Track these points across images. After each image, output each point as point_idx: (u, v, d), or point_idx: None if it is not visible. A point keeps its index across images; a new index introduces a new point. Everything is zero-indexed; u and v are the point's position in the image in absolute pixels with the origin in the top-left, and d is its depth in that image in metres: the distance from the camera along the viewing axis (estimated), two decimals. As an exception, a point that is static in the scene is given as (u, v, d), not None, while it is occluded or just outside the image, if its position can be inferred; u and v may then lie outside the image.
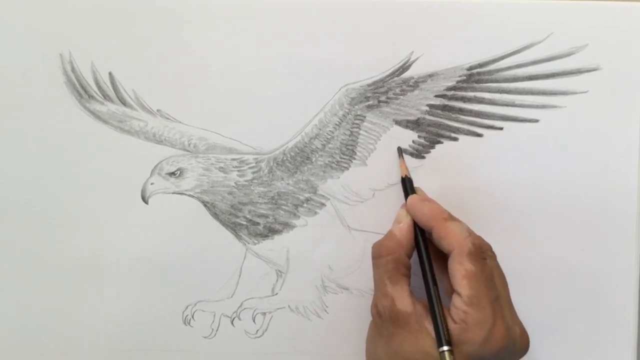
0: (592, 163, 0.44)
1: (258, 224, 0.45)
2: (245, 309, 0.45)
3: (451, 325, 0.36)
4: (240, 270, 0.45)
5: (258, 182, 0.45)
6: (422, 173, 0.44)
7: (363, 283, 0.45)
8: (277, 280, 0.45)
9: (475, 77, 0.44)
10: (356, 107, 0.44)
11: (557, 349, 0.45)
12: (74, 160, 0.45)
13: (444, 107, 0.44)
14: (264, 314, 0.45)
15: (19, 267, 0.45)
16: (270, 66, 0.44)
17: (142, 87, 0.45)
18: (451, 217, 0.39)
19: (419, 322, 0.37)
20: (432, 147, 0.44)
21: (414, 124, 0.44)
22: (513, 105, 0.44)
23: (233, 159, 0.45)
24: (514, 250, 0.44)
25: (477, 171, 0.44)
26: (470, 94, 0.44)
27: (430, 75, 0.44)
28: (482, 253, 0.38)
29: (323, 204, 0.45)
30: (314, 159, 0.45)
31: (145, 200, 0.45)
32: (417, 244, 0.40)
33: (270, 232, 0.45)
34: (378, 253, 0.40)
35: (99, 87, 0.45)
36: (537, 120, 0.44)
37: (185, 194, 0.45)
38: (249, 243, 0.45)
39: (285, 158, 0.45)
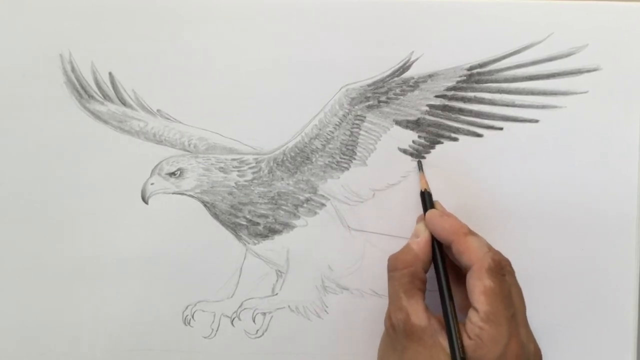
0: (592, 163, 0.44)
1: (258, 224, 0.45)
2: (245, 309, 0.45)
3: (466, 341, 0.35)
4: (240, 270, 0.45)
5: (258, 182, 0.45)
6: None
7: (363, 283, 0.45)
8: (277, 280, 0.45)
9: (475, 77, 0.44)
10: (356, 107, 0.44)
11: (557, 349, 0.45)
12: (74, 160, 0.45)
13: (444, 107, 0.44)
14: (264, 314, 0.45)
15: (19, 267, 0.45)
16: (270, 66, 0.44)
17: (142, 87, 0.45)
18: (470, 232, 0.39)
19: (433, 337, 0.36)
20: (432, 147, 0.44)
21: (414, 124, 0.44)
22: (513, 105, 0.44)
23: (233, 159, 0.45)
24: (514, 250, 0.44)
25: (477, 171, 0.44)
26: (470, 94, 0.44)
27: (430, 76, 0.44)
28: (502, 269, 0.37)
29: (323, 204, 0.45)
30: (314, 159, 0.45)
31: (145, 200, 0.45)
32: (434, 259, 0.40)
33: (270, 232, 0.45)
34: (394, 266, 0.39)
35: (99, 87, 0.45)
36: (537, 120, 0.44)
37: (185, 194, 0.45)
38: (249, 243, 0.45)
39: (285, 158, 0.45)
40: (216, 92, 0.45)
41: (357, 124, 0.44)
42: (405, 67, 0.44)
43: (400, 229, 0.44)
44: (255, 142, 0.45)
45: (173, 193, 0.45)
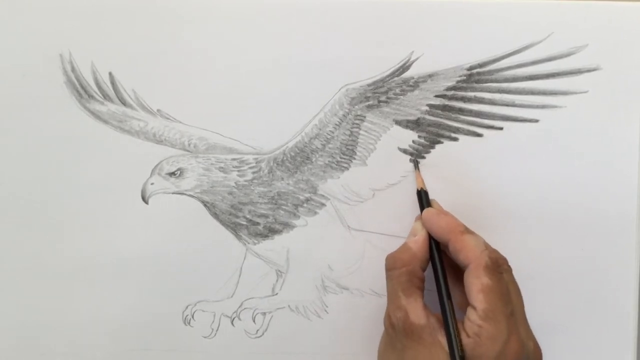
0: (592, 163, 0.44)
1: (258, 224, 0.45)
2: (245, 309, 0.45)
3: (465, 339, 0.36)
4: (240, 270, 0.45)
5: (258, 182, 0.45)
6: (421, 173, 0.44)
7: (363, 283, 0.45)
8: (277, 280, 0.45)
9: (475, 77, 0.44)
10: (356, 107, 0.44)
11: (557, 349, 0.45)
12: (74, 160, 0.45)
13: (444, 107, 0.44)
14: (264, 314, 0.45)
15: (19, 267, 0.45)
16: (270, 66, 0.44)
17: (142, 87, 0.45)
18: (467, 230, 0.39)
19: (432, 336, 0.36)
20: (432, 147, 0.44)
21: (414, 124, 0.44)
22: (513, 105, 0.44)
23: (233, 159, 0.45)
24: (514, 250, 0.44)
25: (477, 171, 0.44)
26: (470, 94, 0.44)
27: (430, 75, 0.44)
28: (499, 267, 0.37)
29: (323, 204, 0.45)
30: (314, 159, 0.45)
31: (145, 200, 0.45)
32: (432, 257, 0.40)
33: (270, 232, 0.45)
34: (392, 265, 0.40)
35: (99, 87, 0.45)
36: (537, 120, 0.44)
37: (185, 194, 0.45)
38: (249, 243, 0.45)
39: (285, 158, 0.45)
40: (216, 92, 0.45)
41: (357, 124, 0.44)
42: (405, 67, 0.44)
43: (400, 228, 0.44)
44: (255, 142, 0.45)
45: (173, 193, 0.45)
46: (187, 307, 0.45)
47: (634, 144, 0.44)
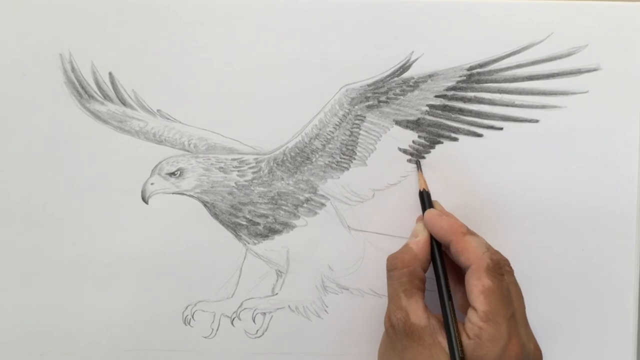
0: (592, 163, 0.44)
1: (258, 224, 0.45)
2: (245, 309, 0.45)
3: (465, 341, 0.36)
4: (240, 270, 0.45)
5: (258, 182, 0.45)
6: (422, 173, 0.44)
7: (363, 283, 0.45)
8: (277, 280, 0.45)
9: (475, 77, 0.44)
10: (356, 107, 0.44)
11: (557, 349, 0.45)
12: (74, 160, 0.45)
13: (444, 107, 0.44)
14: (264, 314, 0.45)
15: (19, 267, 0.45)
16: (270, 66, 0.44)
17: (142, 87, 0.45)
18: (469, 232, 0.39)
19: (432, 337, 0.36)
20: (432, 147, 0.44)
21: (414, 124, 0.44)
22: (513, 105, 0.44)
23: (233, 159, 0.45)
24: (514, 250, 0.44)
25: (477, 171, 0.44)
26: (470, 94, 0.44)
27: (430, 76, 0.44)
28: (500, 269, 0.37)
29: (323, 204, 0.45)
30: (314, 159, 0.45)
31: (145, 200, 0.45)
32: (433, 258, 0.40)
33: (270, 232, 0.45)
34: (393, 266, 0.40)
35: (99, 87, 0.45)
36: (537, 120, 0.44)
37: (185, 194, 0.45)
38: (249, 243, 0.45)
39: (285, 158, 0.45)
40: (216, 92, 0.45)
41: (357, 124, 0.44)
42: (405, 67, 0.44)
43: (400, 229, 0.44)
44: (255, 142, 0.45)
45: (173, 193, 0.45)
46: (187, 307, 0.45)
47: (634, 144, 0.44)
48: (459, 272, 0.39)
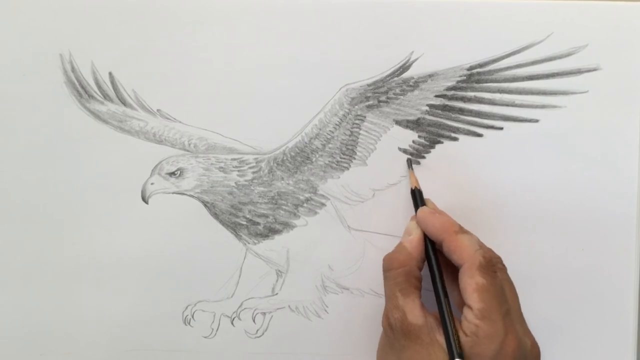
0: (592, 163, 0.44)
1: (258, 223, 0.45)
2: (245, 309, 0.45)
3: (463, 338, 0.36)
4: (240, 270, 0.45)
5: (258, 182, 0.45)
6: (422, 173, 0.44)
7: (363, 283, 0.45)
8: (277, 280, 0.45)
9: (475, 77, 0.44)
10: (356, 107, 0.44)
11: (557, 349, 0.45)
12: (74, 160, 0.45)
13: (444, 107, 0.44)
14: (264, 314, 0.45)
15: (19, 266, 0.45)
16: (270, 66, 0.44)
17: (142, 87, 0.45)
18: (462, 230, 0.39)
19: (430, 335, 0.37)
20: (432, 147, 0.44)
21: (414, 124, 0.44)
22: (513, 105, 0.44)
23: (233, 159, 0.45)
24: (513, 250, 0.44)
25: (478, 171, 0.44)
26: (470, 94, 0.44)
27: (430, 75, 0.44)
28: (493, 266, 0.37)
29: (323, 204, 0.45)
30: (314, 159, 0.45)
31: (145, 200, 0.45)
32: (427, 257, 0.40)
33: (271, 232, 0.45)
34: (389, 266, 0.40)
35: (99, 87, 0.45)
36: (537, 120, 0.44)
37: (185, 194, 0.45)
38: (249, 243, 0.45)
39: (285, 158, 0.45)
40: (216, 92, 0.45)
41: (357, 124, 0.44)
42: (405, 67, 0.44)
43: (400, 229, 0.44)
44: (255, 142, 0.45)
45: (173, 193, 0.45)
46: (187, 307, 0.45)
47: (634, 144, 0.44)
48: (455, 270, 0.40)
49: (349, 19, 0.44)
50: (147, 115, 0.45)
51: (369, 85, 0.44)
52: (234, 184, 0.45)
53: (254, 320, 0.45)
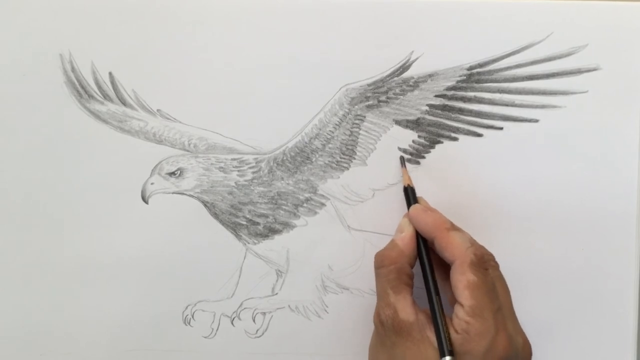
0: (592, 163, 0.44)
1: (258, 223, 0.45)
2: (245, 308, 0.45)
3: (453, 336, 0.36)
4: (240, 270, 0.45)
5: (258, 182, 0.45)
6: (422, 173, 0.44)
7: (363, 283, 0.45)
8: (277, 280, 0.45)
9: (475, 77, 0.44)
10: (356, 107, 0.44)
11: (556, 349, 0.45)
12: (74, 160, 0.45)
13: (444, 107, 0.44)
14: (264, 314, 0.45)
15: (19, 267, 0.45)
16: (270, 66, 0.44)
17: (142, 87, 0.45)
18: (453, 227, 0.39)
19: (421, 332, 0.37)
20: (432, 147, 0.44)
21: (414, 124, 0.44)
22: (513, 105, 0.44)
23: (233, 159, 0.45)
24: (513, 250, 0.44)
25: (477, 171, 0.44)
26: (470, 94, 0.44)
27: (430, 75, 0.44)
28: (484, 263, 0.38)
29: (323, 204, 0.45)
30: (314, 159, 0.45)
31: (145, 200, 0.45)
32: (419, 254, 0.40)
33: (270, 232, 0.45)
34: (380, 263, 0.40)
35: (99, 87, 0.45)
36: (537, 120, 0.44)
37: (185, 194, 0.45)
38: (249, 243, 0.45)
39: (285, 158, 0.45)
40: (216, 92, 0.45)
41: (357, 124, 0.44)
42: (405, 67, 0.44)
43: (400, 228, 0.44)
44: (255, 142, 0.45)
45: (173, 193, 0.45)
46: (187, 307, 0.45)
47: (634, 144, 0.44)
48: (447, 267, 0.40)
49: (349, 19, 0.44)
50: (147, 115, 0.45)
51: (368, 85, 0.44)
52: (234, 184, 0.45)
53: (254, 320, 0.45)
